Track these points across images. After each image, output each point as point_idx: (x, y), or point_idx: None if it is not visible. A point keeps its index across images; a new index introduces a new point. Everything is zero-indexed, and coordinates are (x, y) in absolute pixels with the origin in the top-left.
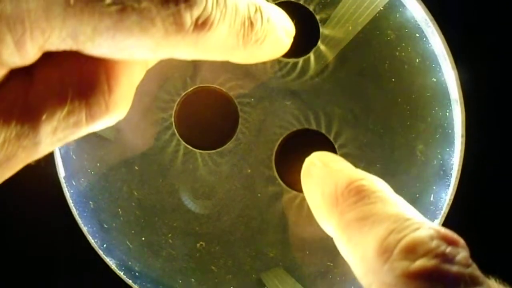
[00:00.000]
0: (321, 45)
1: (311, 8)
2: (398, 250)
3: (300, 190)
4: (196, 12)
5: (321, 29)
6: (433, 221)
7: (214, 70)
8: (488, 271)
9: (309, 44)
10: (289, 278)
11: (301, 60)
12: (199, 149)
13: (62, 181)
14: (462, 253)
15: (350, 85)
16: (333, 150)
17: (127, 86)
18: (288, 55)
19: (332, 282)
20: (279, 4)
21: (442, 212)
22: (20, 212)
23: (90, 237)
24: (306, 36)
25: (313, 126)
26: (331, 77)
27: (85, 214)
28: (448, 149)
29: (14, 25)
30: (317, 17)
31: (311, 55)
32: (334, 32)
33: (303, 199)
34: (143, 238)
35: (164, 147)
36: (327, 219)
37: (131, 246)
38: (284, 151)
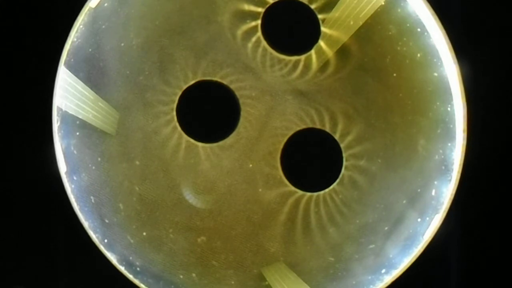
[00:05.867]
0: (322, 42)
1: (312, 6)
2: None
3: (302, 187)
4: None
5: (321, 26)
6: (434, 215)
7: (215, 64)
8: (489, 264)
9: (310, 41)
10: (290, 273)
11: (303, 58)
12: (201, 142)
13: (63, 176)
14: None
15: (351, 80)
16: (336, 146)
17: None
18: (289, 52)
19: (333, 277)
20: (280, 3)
21: (444, 207)
22: (21, 207)
23: (91, 232)
24: (307, 33)
25: (317, 124)
26: (333, 73)
27: (86, 209)
28: (449, 144)
29: None
30: (318, 14)
31: (312, 52)
32: (335, 28)
33: (305, 196)
34: (144, 233)
35: (165, 142)
36: None
37: (132, 241)
38: (287, 148)
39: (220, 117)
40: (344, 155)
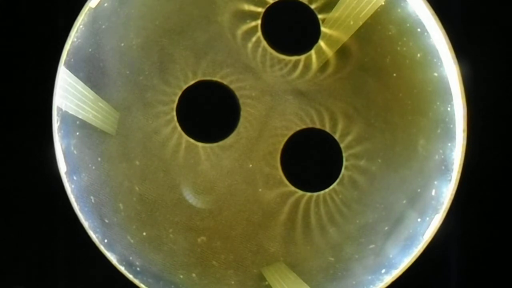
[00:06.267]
0: (322, 42)
1: (312, 6)
2: None
3: (302, 187)
4: None
5: (321, 26)
6: (434, 215)
7: (215, 64)
8: (489, 264)
9: (310, 41)
10: (290, 273)
11: (303, 58)
12: (201, 142)
13: (63, 176)
14: None
15: (351, 80)
16: (336, 146)
17: None
18: (289, 52)
19: (333, 277)
20: (280, 3)
21: (444, 207)
22: (21, 207)
23: (91, 232)
24: (307, 33)
25: (317, 124)
26: (333, 73)
27: (86, 209)
28: (449, 144)
29: None
30: (318, 14)
31: (312, 52)
32: (335, 28)
33: (305, 196)
34: (144, 233)
35: (165, 142)
36: None
37: (132, 241)
38: (287, 148)
39: (220, 117)
40: (344, 155)
